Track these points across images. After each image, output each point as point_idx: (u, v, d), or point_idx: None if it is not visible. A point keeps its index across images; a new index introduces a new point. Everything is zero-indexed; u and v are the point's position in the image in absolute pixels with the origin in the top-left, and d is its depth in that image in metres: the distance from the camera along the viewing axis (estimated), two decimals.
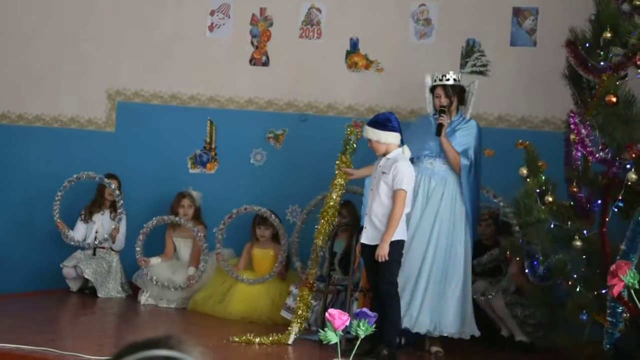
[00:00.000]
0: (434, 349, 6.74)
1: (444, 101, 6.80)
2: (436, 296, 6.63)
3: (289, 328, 6.70)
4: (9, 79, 9.48)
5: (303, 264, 7.67)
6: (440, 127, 6.70)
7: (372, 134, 6.35)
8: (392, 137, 6.34)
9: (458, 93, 6.86)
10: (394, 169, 6.25)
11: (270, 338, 6.58)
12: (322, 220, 6.91)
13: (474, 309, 6.76)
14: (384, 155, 6.38)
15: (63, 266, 8.48)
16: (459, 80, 6.87)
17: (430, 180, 6.75)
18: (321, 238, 6.92)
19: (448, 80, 6.83)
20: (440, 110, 6.77)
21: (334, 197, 6.92)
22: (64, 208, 8.55)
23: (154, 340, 1.62)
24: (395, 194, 6.24)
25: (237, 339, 6.52)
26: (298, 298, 6.94)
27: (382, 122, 6.39)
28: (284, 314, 7.40)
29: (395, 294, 6.28)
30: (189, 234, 8.38)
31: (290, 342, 6.60)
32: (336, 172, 6.93)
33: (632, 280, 3.64)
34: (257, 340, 6.52)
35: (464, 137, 6.79)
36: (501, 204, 7.46)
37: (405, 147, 6.39)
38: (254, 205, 7.97)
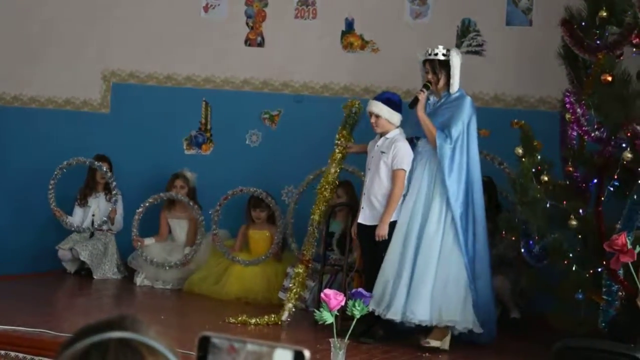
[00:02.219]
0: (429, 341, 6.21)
1: (431, 77, 6.35)
2: (416, 284, 6.12)
3: (283, 306, 6.68)
4: (4, 60, 9.42)
5: (298, 245, 7.65)
6: (415, 100, 6.26)
7: (377, 108, 6.31)
8: (395, 117, 6.33)
9: (448, 70, 6.34)
10: (393, 148, 6.24)
11: (266, 318, 6.60)
12: (320, 195, 6.77)
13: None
14: (382, 134, 6.37)
15: (59, 248, 8.48)
16: (448, 56, 6.34)
17: (412, 162, 6.31)
18: (318, 213, 6.81)
19: (436, 55, 6.35)
20: (423, 85, 6.34)
21: (332, 171, 6.77)
22: (59, 193, 8.52)
23: (107, 321, 1.57)
24: (394, 174, 6.23)
25: (233, 320, 6.54)
26: (293, 275, 6.90)
27: (389, 100, 6.37)
28: (282, 295, 7.37)
29: None
30: (183, 215, 8.37)
31: (283, 319, 6.60)
32: (335, 146, 6.76)
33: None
34: (253, 321, 6.55)
35: (445, 113, 6.31)
36: (507, 170, 6.98)
37: (401, 130, 6.37)
38: (249, 187, 7.95)
